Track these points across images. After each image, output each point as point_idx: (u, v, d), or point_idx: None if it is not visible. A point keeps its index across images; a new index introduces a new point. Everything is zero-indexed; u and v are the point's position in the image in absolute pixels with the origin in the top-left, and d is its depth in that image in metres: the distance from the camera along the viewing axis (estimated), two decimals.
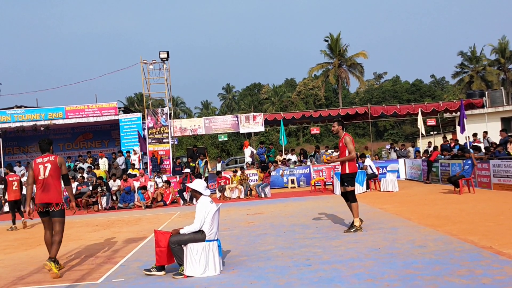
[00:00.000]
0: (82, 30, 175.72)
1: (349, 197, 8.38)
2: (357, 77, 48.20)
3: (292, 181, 19.52)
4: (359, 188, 15.33)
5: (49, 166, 6.93)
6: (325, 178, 18.18)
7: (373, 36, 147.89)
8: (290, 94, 70.05)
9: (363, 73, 48.68)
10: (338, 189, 15.32)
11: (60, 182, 7.02)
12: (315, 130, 25.26)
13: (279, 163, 20.84)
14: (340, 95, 50.47)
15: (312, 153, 22.85)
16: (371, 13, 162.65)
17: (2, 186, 15.45)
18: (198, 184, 6.24)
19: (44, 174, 6.88)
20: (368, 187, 16.01)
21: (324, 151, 23.15)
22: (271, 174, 18.07)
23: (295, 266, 6.02)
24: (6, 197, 12.93)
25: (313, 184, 17.75)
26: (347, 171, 8.31)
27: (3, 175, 17.63)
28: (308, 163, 20.88)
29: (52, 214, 6.87)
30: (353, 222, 8.29)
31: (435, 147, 19.28)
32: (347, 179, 8.37)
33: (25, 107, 23.30)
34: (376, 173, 16.43)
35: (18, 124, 22.28)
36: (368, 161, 16.34)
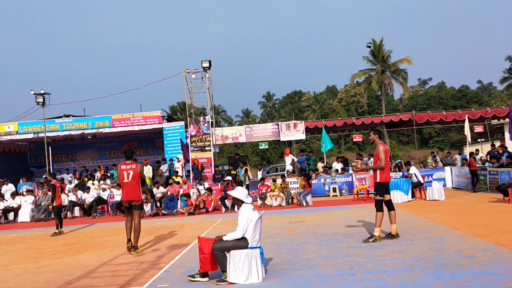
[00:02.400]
0: (128, 40, 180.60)
1: (376, 206, 8.38)
2: (400, 83, 47.33)
3: (334, 190, 19.34)
4: (403, 197, 15.05)
5: (131, 173, 9.06)
6: (368, 186, 17.92)
7: (417, 42, 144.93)
8: (331, 101, 69.55)
9: (407, 79, 47.76)
10: None
11: (139, 184, 9.15)
12: (357, 138, 25.00)
13: (320, 171, 20.70)
14: (383, 101, 49.70)
15: (355, 161, 22.57)
16: (415, 18, 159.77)
17: (51, 193, 15.99)
18: (239, 192, 6.29)
19: (127, 179, 9.04)
20: (413, 195, 15.66)
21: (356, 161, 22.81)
22: (313, 182, 17.96)
23: (338, 275, 5.97)
24: (54, 203, 13.38)
25: (355, 193, 17.53)
26: (378, 180, 8.36)
27: (50, 182, 18.30)
28: (350, 171, 20.64)
29: (134, 208, 9.07)
30: (374, 232, 8.30)
31: (471, 153, 18.79)
32: (377, 188, 8.41)
33: (73, 116, 24.09)
34: (422, 181, 16.06)
35: (66, 133, 23.09)
36: (413, 169, 16.00)
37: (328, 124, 23.36)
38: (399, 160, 25.54)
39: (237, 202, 6.26)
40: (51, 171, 21.09)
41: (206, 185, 18.41)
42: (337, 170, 20.56)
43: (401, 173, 16.73)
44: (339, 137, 60.57)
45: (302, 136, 22.71)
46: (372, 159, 17.92)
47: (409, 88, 53.42)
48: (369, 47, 47.78)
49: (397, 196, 14.97)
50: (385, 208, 8.39)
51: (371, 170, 8.55)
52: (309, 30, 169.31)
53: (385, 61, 47.01)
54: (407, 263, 6.34)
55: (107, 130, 22.87)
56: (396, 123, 23.89)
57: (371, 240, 8.14)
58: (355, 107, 67.53)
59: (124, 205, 9.24)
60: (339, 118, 28.72)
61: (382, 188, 8.35)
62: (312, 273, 6.19)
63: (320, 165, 21.66)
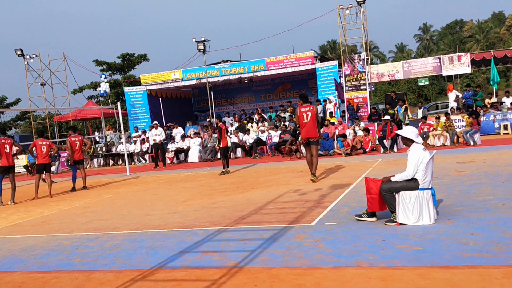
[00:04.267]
0: None
1: None
2: None
3: (506, 127, 17.56)
4: None
5: (310, 114, 10.39)
6: None
7: None
8: (498, 29, 62.25)
9: None
10: None
11: (315, 123, 10.45)
12: None
13: (489, 107, 18.89)
14: None
15: None
16: None
17: (216, 135, 17.13)
18: (409, 131, 5.99)
19: (307, 119, 10.40)
20: None
21: None
22: (481, 119, 16.51)
23: None
24: (220, 144, 14.30)
25: None
26: None
27: (215, 125, 19.55)
28: None
29: (312, 143, 10.50)
30: None
31: None
32: None
33: (231, 61, 25.15)
34: None
35: (225, 78, 24.28)
36: None
37: (498, 55, 21.00)
38: None
39: (407, 142, 5.98)
40: (215, 115, 22.51)
41: (362, 125, 18.06)
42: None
43: None
44: (507, 69, 54.35)
45: (468, 70, 20.83)
46: None
47: None
48: None
49: None
50: None
51: None
52: None
53: None
54: None
55: (262, 73, 23.49)
56: None
57: None
58: None
59: (303, 142, 10.71)
60: (511, 48, 25.61)
61: None
62: (490, 216, 5.75)
63: (488, 101, 19.76)
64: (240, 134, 20.34)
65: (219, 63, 25.18)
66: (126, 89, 26.17)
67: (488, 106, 19.04)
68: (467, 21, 69.77)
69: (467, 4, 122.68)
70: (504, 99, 19.72)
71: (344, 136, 16.91)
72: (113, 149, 23.50)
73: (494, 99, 19.78)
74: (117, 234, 7.01)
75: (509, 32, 60.10)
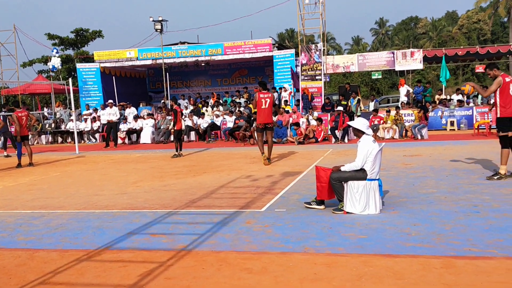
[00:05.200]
0: None
1: (500, 142, 7.89)
2: None
3: (452, 123, 18.27)
4: None
5: (268, 101, 11.00)
6: (490, 121, 16.68)
7: None
8: (450, 28, 64.25)
9: None
10: None
11: (271, 110, 11.19)
12: (480, 69, 23.04)
13: (438, 103, 19.57)
14: (510, 29, 45.04)
15: (476, 93, 20.95)
16: None
17: (170, 118, 16.95)
18: (360, 123, 6.13)
19: (265, 105, 10.97)
20: None
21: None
22: (429, 115, 17.11)
23: (461, 211, 5.73)
24: (175, 127, 14.16)
25: (476, 127, 16.44)
26: (498, 115, 7.83)
27: (169, 107, 19.32)
28: (471, 104, 19.26)
29: (268, 129, 11.22)
30: (499, 169, 7.81)
31: None
32: (498, 123, 7.90)
33: (188, 43, 24.78)
34: None
35: (182, 60, 23.94)
36: None
37: (449, 53, 21.77)
38: None
39: (357, 133, 6.12)
40: (170, 97, 22.21)
41: (316, 114, 18.32)
42: (460, 101, 19.20)
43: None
44: (457, 67, 56.38)
45: (419, 66, 21.46)
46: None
47: None
48: None
49: None
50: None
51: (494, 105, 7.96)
52: None
53: None
54: None
55: (219, 57, 23.31)
56: None
57: (495, 177, 7.67)
58: (477, 34, 61.84)
59: (260, 127, 11.24)
60: (461, 47, 26.58)
61: (504, 123, 7.79)
62: (433, 207, 5.99)
63: (438, 97, 20.46)
64: (195, 118, 20.19)
65: (176, 44, 24.77)
66: (78, 65, 25.36)
67: (437, 102, 19.72)
68: (422, 18, 71.66)
69: (422, 2, 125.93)
70: (454, 96, 20.48)
71: (297, 124, 17.10)
72: (62, 126, 22.82)
73: (443, 96, 20.49)
74: (63, 213, 6.84)
75: (461, 32, 62.17)
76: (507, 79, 7.70)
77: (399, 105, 18.70)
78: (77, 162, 14.09)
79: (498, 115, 7.84)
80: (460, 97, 19.73)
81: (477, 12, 60.18)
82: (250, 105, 20.46)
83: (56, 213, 6.83)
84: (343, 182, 5.98)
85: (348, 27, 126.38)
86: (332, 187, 6.07)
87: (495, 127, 8.08)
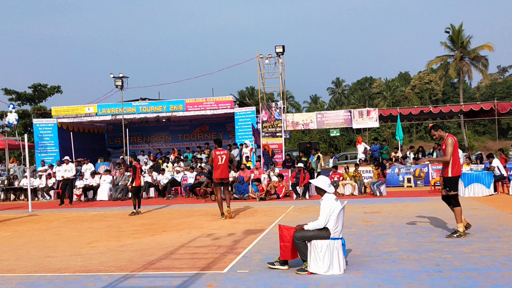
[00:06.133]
0: (202, 25, 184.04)
1: (451, 201, 7.99)
2: (480, 70, 44.86)
3: (409, 180, 18.69)
4: (485, 190, 14.29)
5: (224, 157, 11.74)
6: None
7: (498, 27, 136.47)
8: (403, 88, 67.19)
9: (487, 66, 45.19)
10: (461, 190, 14.42)
11: (227, 166, 11.91)
12: None
13: (394, 160, 20.05)
14: (461, 89, 47.39)
15: (431, 151, 21.66)
16: (496, 2, 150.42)
17: (129, 174, 16.61)
18: (321, 181, 6.14)
19: (221, 161, 11.69)
20: (495, 189, 14.82)
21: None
22: (386, 172, 17.45)
23: (424, 271, 5.71)
24: (133, 184, 13.85)
25: (432, 184, 16.84)
26: (449, 175, 7.90)
27: (128, 163, 18.98)
28: (426, 162, 19.80)
29: (224, 184, 11.89)
30: (457, 228, 7.88)
31: None
32: (449, 183, 7.96)
33: (149, 99, 24.78)
34: (505, 174, 15.15)
35: (142, 116, 23.82)
36: (496, 162, 15.14)
37: (403, 112, 22.57)
38: (479, 152, 24.29)
39: (319, 191, 6.12)
40: (129, 153, 21.87)
41: (277, 171, 18.38)
42: (415, 158, 19.71)
43: (482, 166, 15.84)
44: (410, 125, 58.51)
45: (375, 124, 22.11)
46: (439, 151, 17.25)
47: (489, 76, 50.45)
48: (448, 32, 45.62)
49: (477, 189, 14.29)
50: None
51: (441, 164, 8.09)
52: (383, 13, 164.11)
53: (464, 47, 44.69)
54: (498, 262, 5.97)
55: (180, 113, 23.34)
56: (475, 112, 22.71)
57: (455, 235, 7.77)
58: (429, 94, 64.87)
59: (216, 182, 11.79)
60: (415, 106, 27.69)
61: (455, 182, 7.97)
62: (396, 267, 5.96)
63: (394, 155, 20.98)
64: (154, 174, 19.86)
65: (137, 100, 24.73)
66: (35, 120, 24.81)
67: (393, 159, 20.20)
68: (376, 79, 74.80)
69: (376, 63, 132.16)
70: (409, 153, 21.07)
71: (259, 180, 17.08)
72: (16, 183, 21.93)
73: (399, 153, 21.05)
74: (12, 276, 6.42)
75: (413, 91, 65.04)
76: (451, 140, 7.93)
77: (358, 162, 19.03)
78: (29, 221, 13.46)
79: (450, 175, 7.89)
80: (412, 155, 20.38)
81: (429, 73, 63.37)
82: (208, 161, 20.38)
83: (4, 277, 6.41)
84: (306, 241, 5.90)
85: (306, 86, 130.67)
86: (295, 247, 5.98)
87: (445, 186, 8.06)
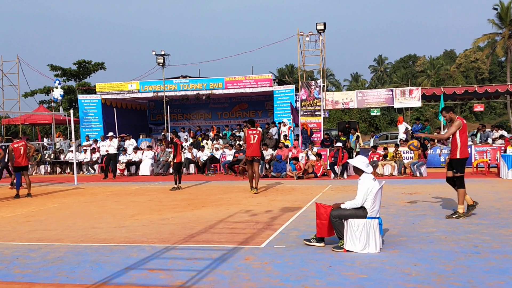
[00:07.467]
0: (242, 2, 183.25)
1: (457, 182, 8.09)
2: None
3: None
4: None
5: (256, 136, 12.55)
6: (489, 160, 16.74)
7: None
8: (448, 66, 65.23)
9: None
10: (505, 172, 14.08)
11: (259, 144, 12.80)
12: (478, 107, 23.30)
13: (436, 141, 19.65)
14: (508, 69, 45.64)
15: (475, 132, 21.10)
16: None
17: (170, 150, 16.99)
18: (359, 161, 6.16)
19: (253, 140, 12.52)
20: None
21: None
22: (428, 153, 17.16)
23: (461, 252, 5.70)
24: (175, 159, 14.18)
25: (475, 166, 16.48)
26: (457, 156, 8.03)
27: (169, 140, 19.35)
28: (470, 142, 19.34)
29: (255, 161, 12.56)
30: (457, 208, 8.01)
31: None
32: (457, 165, 8.07)
33: (190, 77, 25.01)
34: None
35: (183, 93, 24.14)
36: None
37: (447, 92, 21.99)
38: None
39: (357, 171, 6.15)
40: (170, 130, 22.27)
41: (315, 150, 18.37)
42: None
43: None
44: (455, 105, 56.85)
45: (418, 104, 21.65)
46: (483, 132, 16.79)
47: None
48: (496, 9, 43.84)
49: None
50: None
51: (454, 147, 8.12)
52: None
53: None
54: None
55: (220, 91, 23.51)
56: None
57: (454, 216, 7.89)
58: (475, 73, 62.75)
59: (248, 159, 12.62)
60: (460, 86, 26.90)
61: (463, 164, 8.09)
62: (433, 247, 5.96)
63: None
64: (194, 150, 20.23)
65: (178, 77, 25.03)
66: (80, 96, 25.55)
67: (435, 140, 19.80)
68: (420, 57, 72.79)
69: (420, 41, 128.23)
70: None
71: (296, 159, 17.13)
72: (62, 157, 22.80)
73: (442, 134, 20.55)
74: (60, 245, 6.78)
75: (459, 70, 63.07)
76: (458, 122, 8.01)
77: (398, 142, 18.77)
78: (75, 193, 14.04)
79: (458, 156, 8.02)
80: None
81: (475, 52, 61.23)
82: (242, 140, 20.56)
83: (53, 246, 6.77)
84: (343, 220, 5.97)
85: (347, 63, 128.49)
86: (332, 225, 6.06)
87: (453, 168, 8.12)
